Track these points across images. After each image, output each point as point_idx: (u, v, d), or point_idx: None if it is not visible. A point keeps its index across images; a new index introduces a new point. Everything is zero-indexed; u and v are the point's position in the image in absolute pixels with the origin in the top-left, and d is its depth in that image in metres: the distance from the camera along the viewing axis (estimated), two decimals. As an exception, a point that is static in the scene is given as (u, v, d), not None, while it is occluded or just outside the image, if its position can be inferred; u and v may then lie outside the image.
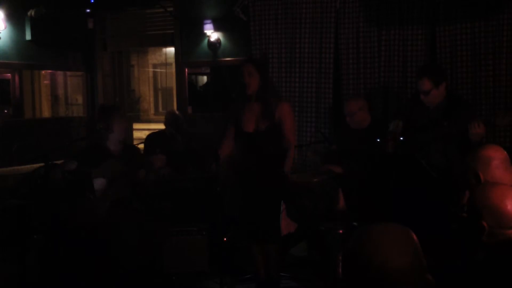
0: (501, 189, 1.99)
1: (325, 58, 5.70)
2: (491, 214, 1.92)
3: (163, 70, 13.06)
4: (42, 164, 4.18)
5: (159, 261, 4.37)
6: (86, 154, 4.26)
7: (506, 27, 5.00)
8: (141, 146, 5.73)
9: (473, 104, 4.99)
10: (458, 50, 5.17)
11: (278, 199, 4.06)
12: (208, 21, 6.27)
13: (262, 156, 3.94)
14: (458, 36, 5.16)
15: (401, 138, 4.17)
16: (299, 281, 4.42)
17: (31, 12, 6.26)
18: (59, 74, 9.18)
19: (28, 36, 6.33)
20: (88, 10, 6.77)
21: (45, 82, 9.03)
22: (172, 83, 9.44)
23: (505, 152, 2.63)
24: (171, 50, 8.27)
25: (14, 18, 6.22)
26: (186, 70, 6.78)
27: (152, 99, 14.88)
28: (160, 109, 14.35)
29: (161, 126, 6.24)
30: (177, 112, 6.14)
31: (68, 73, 8.94)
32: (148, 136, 6.02)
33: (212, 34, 6.34)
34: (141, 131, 8.40)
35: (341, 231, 4.03)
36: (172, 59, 7.89)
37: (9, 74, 6.67)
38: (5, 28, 6.07)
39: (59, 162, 4.30)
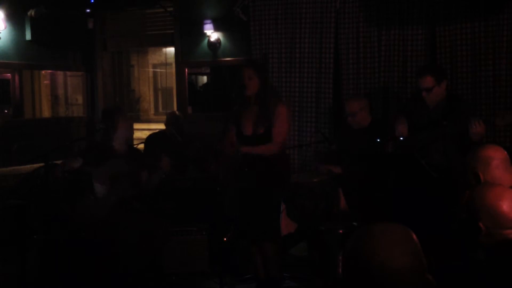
0: (497, 190, 2.00)
1: (325, 58, 5.69)
2: (488, 215, 1.92)
3: (163, 70, 13.05)
4: (42, 164, 4.19)
5: (159, 261, 4.37)
6: (90, 152, 4.26)
7: (506, 27, 5.00)
8: (141, 146, 5.73)
9: (473, 104, 4.99)
10: (458, 50, 5.18)
11: (278, 199, 4.06)
12: (208, 21, 6.27)
13: (261, 159, 3.94)
14: (458, 36, 5.17)
15: (401, 138, 4.17)
16: (299, 281, 4.42)
17: (31, 12, 6.26)
18: (59, 74, 9.19)
19: (28, 36, 6.33)
20: (88, 10, 6.77)
21: (45, 82, 9.04)
22: (172, 83, 9.44)
23: (505, 152, 2.63)
24: (171, 50, 8.28)
25: (14, 18, 6.22)
26: (186, 70, 6.78)
27: (152, 99, 14.86)
28: (160, 109, 14.34)
29: (161, 126, 6.25)
30: (177, 112, 6.15)
31: (68, 73, 8.95)
32: (149, 137, 6.03)
33: (212, 34, 6.34)
34: (141, 131, 8.39)
35: (341, 231, 4.04)
36: (172, 59, 7.90)
37: (9, 74, 6.68)
38: (5, 28, 6.07)
39: (59, 162, 4.30)
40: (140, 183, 4.24)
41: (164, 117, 6.26)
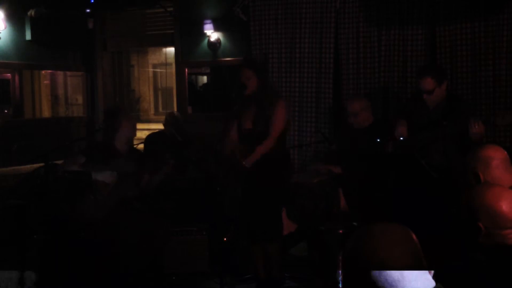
0: (496, 190, 2.00)
1: (325, 58, 5.69)
2: (487, 215, 1.92)
3: (163, 70, 13.05)
4: (42, 164, 4.19)
5: (159, 261, 4.37)
6: (93, 151, 4.26)
7: (506, 27, 5.00)
8: (140, 146, 5.72)
9: (473, 104, 4.99)
10: (458, 50, 5.17)
11: (278, 199, 4.06)
12: (208, 21, 6.27)
13: (262, 159, 3.94)
14: (458, 36, 5.16)
15: (401, 138, 4.17)
16: (299, 281, 4.42)
17: (31, 12, 6.27)
18: (59, 74, 9.19)
19: (28, 36, 6.33)
20: (88, 10, 6.77)
21: (45, 82, 9.03)
22: (172, 83, 9.44)
23: (505, 152, 2.63)
24: (171, 50, 8.28)
25: (14, 18, 6.22)
26: (186, 70, 6.78)
27: (152, 99, 14.86)
28: (160, 109, 14.33)
29: (162, 126, 6.24)
30: (176, 112, 6.14)
31: (68, 73, 8.95)
32: (148, 137, 6.02)
33: (212, 34, 6.34)
34: (141, 131, 8.38)
35: (341, 231, 4.03)
36: (172, 59, 7.90)
37: (9, 74, 6.68)
38: (5, 28, 6.07)
39: (59, 162, 4.30)
40: (141, 183, 4.25)
41: (164, 117, 6.25)
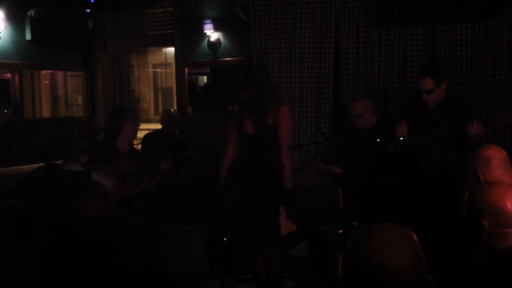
0: (500, 188, 2.00)
1: (325, 58, 5.69)
2: (491, 214, 1.92)
3: (163, 70, 13.06)
4: (42, 164, 4.19)
5: (159, 261, 4.37)
6: (96, 150, 4.27)
7: (506, 27, 5.00)
8: (139, 146, 5.71)
9: (473, 104, 5.00)
10: (458, 50, 5.18)
11: (277, 200, 4.05)
12: (208, 21, 6.28)
13: (260, 159, 3.95)
14: (458, 36, 5.17)
15: (401, 138, 4.17)
16: (299, 281, 4.42)
17: (31, 12, 6.26)
18: (59, 74, 9.19)
19: (28, 36, 6.33)
20: (88, 10, 6.78)
21: (45, 82, 9.03)
22: (172, 83, 9.45)
23: (505, 152, 2.63)
24: (171, 50, 8.28)
25: (14, 18, 6.22)
26: (186, 70, 6.78)
27: (152, 99, 14.88)
28: (160, 109, 14.34)
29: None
30: (172, 110, 6.11)
31: (68, 73, 8.95)
32: (146, 136, 5.99)
33: (212, 34, 6.34)
34: (141, 131, 8.38)
35: (341, 231, 4.04)
36: (172, 59, 7.91)
37: (9, 74, 6.68)
38: (5, 28, 6.07)
39: (59, 162, 4.30)
40: (141, 183, 4.25)
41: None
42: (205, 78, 8.27)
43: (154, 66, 14.45)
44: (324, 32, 5.67)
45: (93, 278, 4.04)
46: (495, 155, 2.58)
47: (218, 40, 6.37)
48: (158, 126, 6.11)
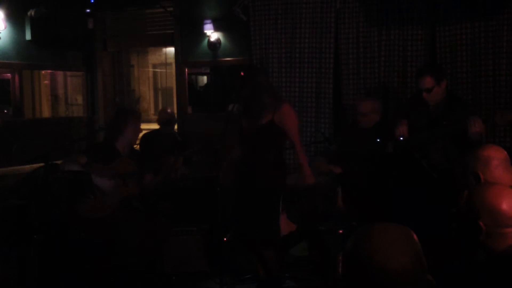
0: (497, 188, 2.00)
1: (325, 58, 5.69)
2: (488, 214, 1.92)
3: (163, 70, 13.05)
4: (42, 164, 4.19)
5: (159, 261, 4.37)
6: (95, 151, 4.26)
7: (506, 27, 5.00)
8: (137, 146, 5.70)
9: (473, 104, 5.00)
10: (458, 50, 5.18)
11: (277, 200, 4.05)
12: (208, 21, 6.28)
13: (260, 159, 3.95)
14: (458, 36, 5.17)
15: (401, 138, 4.17)
16: (299, 281, 4.42)
17: (31, 12, 6.26)
18: (59, 74, 9.18)
19: (28, 36, 6.33)
20: (88, 10, 6.77)
21: (45, 82, 9.02)
22: (172, 83, 9.44)
23: (505, 152, 2.63)
24: (171, 50, 8.27)
25: (14, 18, 6.22)
26: (186, 70, 6.78)
27: (152, 99, 14.87)
28: (160, 109, 14.36)
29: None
30: (169, 110, 6.11)
31: (68, 73, 8.94)
32: (144, 136, 5.99)
33: (212, 34, 6.34)
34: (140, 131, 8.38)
35: (341, 231, 4.03)
36: (172, 59, 7.90)
37: (9, 74, 6.67)
38: (5, 28, 6.07)
39: (59, 162, 4.30)
40: (141, 183, 4.25)
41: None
42: (205, 78, 8.26)
43: (154, 66, 14.45)
44: (324, 32, 5.67)
45: (93, 278, 4.04)
46: (495, 155, 2.58)
47: (218, 40, 6.37)
48: (158, 126, 6.10)
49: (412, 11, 5.28)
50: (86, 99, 7.49)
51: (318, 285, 4.34)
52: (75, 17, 6.76)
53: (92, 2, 6.66)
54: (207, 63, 6.68)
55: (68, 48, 7.00)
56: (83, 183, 4.03)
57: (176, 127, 6.45)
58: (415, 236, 1.47)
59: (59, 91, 9.43)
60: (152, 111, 14.55)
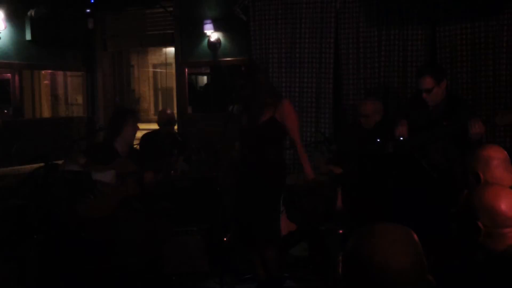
0: (495, 189, 2.00)
1: (325, 58, 5.69)
2: (486, 214, 1.93)
3: (163, 70, 13.06)
4: (42, 164, 4.19)
5: (159, 261, 4.37)
6: (95, 151, 4.27)
7: (506, 27, 5.00)
8: (137, 147, 5.70)
9: (473, 104, 4.99)
10: (458, 50, 5.18)
11: (277, 200, 4.05)
12: (208, 21, 6.28)
13: (260, 159, 3.95)
14: (458, 36, 5.17)
15: (401, 138, 4.17)
16: (299, 281, 4.42)
17: (31, 12, 6.26)
18: (59, 74, 9.18)
19: (28, 36, 6.33)
20: (88, 10, 6.77)
21: (45, 82, 9.03)
22: (172, 83, 9.44)
23: (505, 152, 2.63)
24: (171, 50, 8.27)
25: (14, 18, 6.22)
26: (186, 70, 6.78)
27: (152, 99, 14.89)
28: (160, 109, 14.37)
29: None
30: (168, 111, 6.11)
31: (68, 73, 8.95)
32: (143, 136, 5.98)
33: (212, 34, 6.34)
34: (140, 131, 8.39)
35: (341, 231, 4.03)
36: (172, 59, 7.90)
37: (9, 74, 6.67)
38: (5, 28, 6.07)
39: (59, 162, 4.30)
40: (141, 183, 4.25)
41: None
42: (205, 78, 8.27)
43: (154, 66, 14.46)
44: (324, 32, 5.67)
45: (93, 278, 4.04)
46: (495, 155, 2.58)
47: (218, 40, 6.37)
48: (157, 126, 6.10)
49: (412, 11, 5.28)
50: (86, 99, 7.49)
51: (318, 285, 4.34)
52: (75, 17, 6.75)
53: (92, 2, 6.66)
54: (207, 63, 6.68)
55: (68, 48, 6.99)
56: (83, 183, 4.03)
57: (176, 127, 6.44)
58: (415, 236, 1.47)
59: (59, 91, 9.44)
60: (152, 111, 14.56)
